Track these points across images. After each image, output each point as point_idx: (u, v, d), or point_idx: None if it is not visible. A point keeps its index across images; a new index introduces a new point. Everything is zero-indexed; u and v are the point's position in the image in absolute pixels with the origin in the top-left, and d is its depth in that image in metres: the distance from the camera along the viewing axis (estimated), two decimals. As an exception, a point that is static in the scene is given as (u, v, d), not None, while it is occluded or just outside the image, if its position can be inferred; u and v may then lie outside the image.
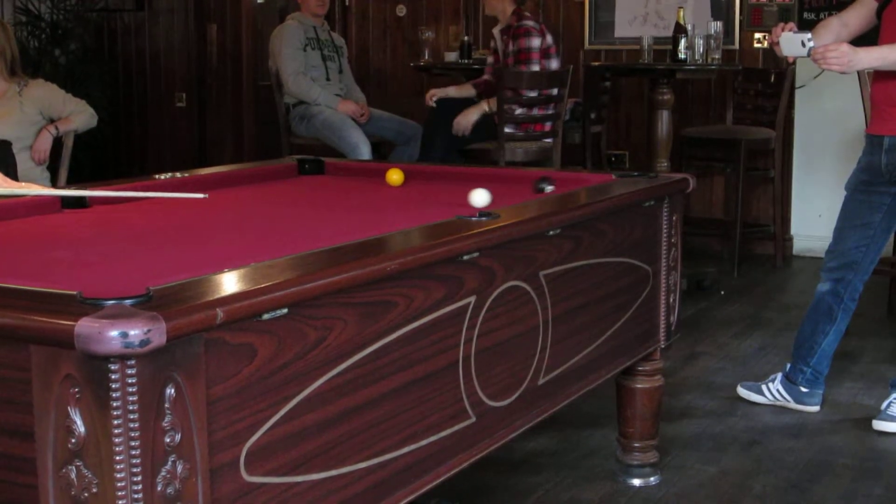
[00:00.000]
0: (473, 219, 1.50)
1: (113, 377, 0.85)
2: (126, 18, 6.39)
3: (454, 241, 1.36)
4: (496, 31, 4.08)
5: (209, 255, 1.30)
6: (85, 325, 0.82)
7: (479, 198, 1.73)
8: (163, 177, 2.17)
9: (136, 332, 0.82)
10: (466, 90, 4.15)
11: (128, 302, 0.88)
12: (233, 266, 1.11)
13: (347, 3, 5.91)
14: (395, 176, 2.20)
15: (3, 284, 0.99)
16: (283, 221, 1.79)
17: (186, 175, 2.19)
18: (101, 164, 5.72)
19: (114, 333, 0.81)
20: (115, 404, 0.85)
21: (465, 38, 5.03)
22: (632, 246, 1.99)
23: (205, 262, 1.19)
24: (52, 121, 3.44)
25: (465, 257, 1.39)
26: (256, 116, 6.21)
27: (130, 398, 0.86)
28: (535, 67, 3.90)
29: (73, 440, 0.86)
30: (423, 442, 1.33)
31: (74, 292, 0.91)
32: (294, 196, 2.20)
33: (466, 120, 3.94)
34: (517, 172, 2.66)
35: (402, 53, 5.73)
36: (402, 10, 5.73)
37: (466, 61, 4.76)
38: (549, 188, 1.98)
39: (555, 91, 3.93)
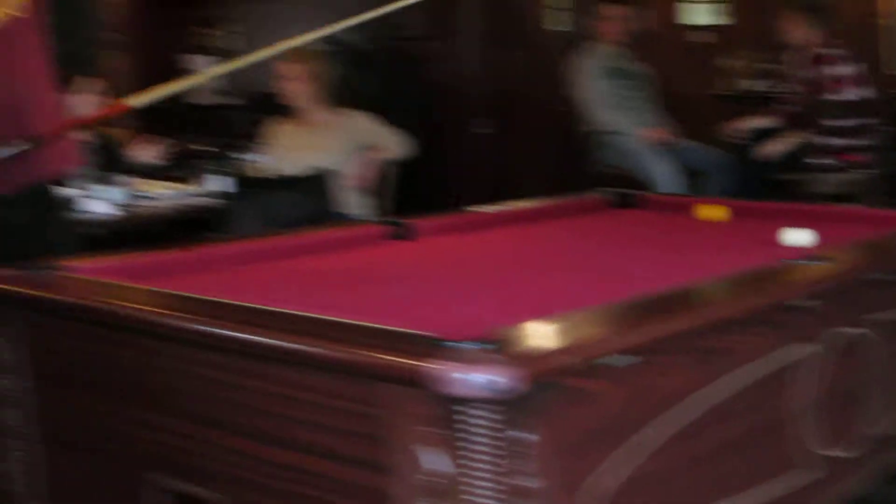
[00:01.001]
0: (811, 263, 1.47)
1: (469, 420, 0.86)
2: (429, 46, 6.83)
3: (793, 287, 1.38)
4: (800, 57, 4.13)
5: (541, 295, 1.37)
6: (443, 368, 0.85)
7: (799, 237, 1.76)
8: (481, 209, 2.28)
9: (493, 378, 0.84)
10: (772, 120, 4.20)
11: (483, 346, 0.90)
12: (566, 307, 1.15)
13: (647, 32, 5.98)
14: (709, 211, 2.23)
15: (355, 322, 1.05)
16: (603, 260, 1.81)
17: (501, 209, 2.31)
18: (403, 191, 6.27)
19: (472, 378, 0.84)
20: (467, 446, 0.87)
21: (768, 65, 5.21)
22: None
23: (540, 302, 1.23)
24: (367, 150, 3.60)
25: (801, 304, 1.37)
26: (558, 143, 6.29)
27: (484, 441, 0.87)
28: (849, 96, 3.95)
29: (424, 478, 0.89)
30: (768, 493, 1.31)
31: (430, 334, 0.94)
32: (608, 232, 2.22)
33: (774, 151, 4.02)
34: (831, 209, 2.60)
35: (704, 81, 5.80)
36: (703, 38, 5.90)
37: (769, 89, 4.91)
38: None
39: (868, 120, 3.98)
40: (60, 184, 2.41)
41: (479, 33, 6.86)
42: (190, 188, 3.32)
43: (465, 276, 1.64)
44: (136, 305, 1.23)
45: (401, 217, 2.20)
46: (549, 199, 2.90)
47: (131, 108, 2.09)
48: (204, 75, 2.08)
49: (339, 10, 8.05)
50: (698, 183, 4.52)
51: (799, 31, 4.11)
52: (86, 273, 1.51)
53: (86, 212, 3.11)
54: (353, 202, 3.48)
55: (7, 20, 2.18)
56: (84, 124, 2.22)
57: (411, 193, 6.71)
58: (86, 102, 3.46)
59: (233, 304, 1.17)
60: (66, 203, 2.49)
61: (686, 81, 5.93)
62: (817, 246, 1.68)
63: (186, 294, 1.28)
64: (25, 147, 2.03)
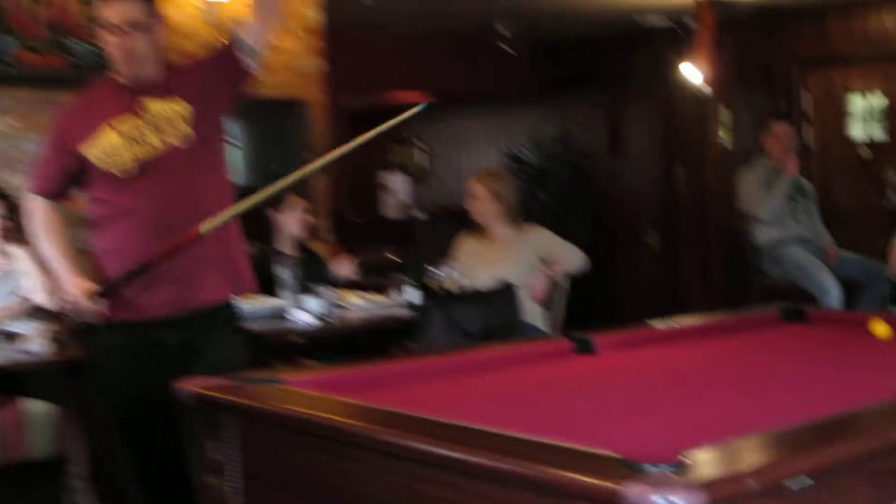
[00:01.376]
0: None
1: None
2: (601, 161, 7.20)
3: None
4: None
5: (719, 414, 1.42)
6: (634, 492, 0.93)
7: None
8: (657, 324, 2.36)
9: (680, 503, 0.91)
10: None
11: (667, 468, 0.98)
12: (744, 428, 1.19)
13: (817, 146, 6.51)
14: (880, 328, 2.27)
15: (538, 439, 1.14)
16: (778, 377, 1.82)
17: (677, 324, 2.38)
18: (575, 301, 6.41)
19: (666, 501, 0.91)
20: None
21: None
22: None
23: (718, 422, 1.30)
24: (546, 263, 3.76)
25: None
26: (724, 255, 6.44)
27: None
28: None
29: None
30: None
31: (615, 455, 1.04)
32: (781, 348, 2.24)
33: None
34: None
35: (865, 192, 6.07)
36: (866, 151, 6.27)
37: None
38: None
39: None
40: (229, 305, 2.45)
41: (652, 149, 7.12)
42: (383, 299, 3.60)
43: (645, 393, 1.70)
44: (346, 420, 1.38)
45: (578, 331, 2.25)
46: (723, 314, 2.91)
47: (202, 235, 2.11)
48: (272, 189, 2.00)
49: (510, 130, 8.43)
50: (857, 294, 4.63)
51: None
52: (296, 385, 1.69)
53: (291, 321, 3.41)
54: (534, 315, 3.60)
55: (168, 149, 2.23)
56: (164, 254, 2.21)
57: (583, 304, 6.82)
58: (293, 220, 3.90)
59: (438, 422, 1.30)
60: (236, 322, 2.55)
61: (851, 194, 6.25)
62: None
63: (394, 410, 1.41)
64: (143, 268, 2.07)
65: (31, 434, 3.46)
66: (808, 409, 1.35)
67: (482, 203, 3.68)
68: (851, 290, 4.65)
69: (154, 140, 2.09)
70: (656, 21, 6.70)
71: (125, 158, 2.08)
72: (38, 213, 2.21)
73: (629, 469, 1.00)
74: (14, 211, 3.73)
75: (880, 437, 1.22)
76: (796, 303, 2.75)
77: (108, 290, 2.24)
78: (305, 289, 3.68)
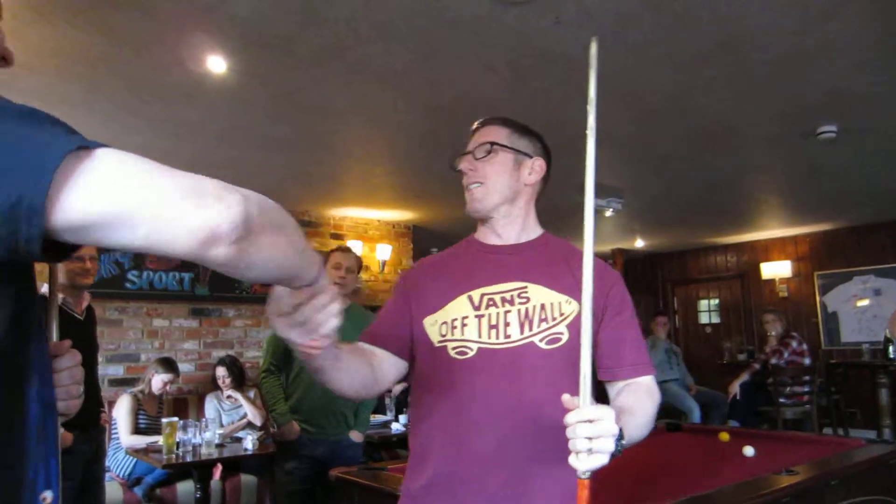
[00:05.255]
0: (782, 474, 1.84)
1: None
2: None
3: (775, 492, 1.73)
4: (771, 340, 5.61)
5: (625, 493, 1.65)
6: None
7: (749, 451, 2.23)
8: None
9: None
10: (746, 374, 5.62)
11: None
12: (641, 501, 1.49)
13: (678, 327, 8.15)
14: (724, 436, 2.68)
15: None
16: (664, 468, 2.11)
17: None
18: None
19: None
20: None
21: (749, 347, 7.27)
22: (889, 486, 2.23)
23: (627, 496, 1.57)
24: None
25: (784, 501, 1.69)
26: None
27: None
28: (807, 362, 5.36)
29: None
30: None
31: None
32: (665, 448, 2.53)
33: (733, 387, 5.48)
34: (794, 434, 2.98)
35: (709, 353, 7.82)
36: (709, 329, 7.84)
37: (749, 359, 6.75)
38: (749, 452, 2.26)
39: (808, 377, 5.35)
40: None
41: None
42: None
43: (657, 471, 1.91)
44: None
45: None
46: None
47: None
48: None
49: None
50: (709, 413, 5.71)
51: (777, 325, 5.56)
52: (393, 471, 2.04)
53: (393, 429, 4.11)
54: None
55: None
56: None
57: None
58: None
59: None
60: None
61: (701, 354, 7.98)
62: (792, 462, 1.94)
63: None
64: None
65: (244, 495, 4.07)
66: (687, 488, 1.61)
67: None
68: (705, 410, 5.74)
69: None
70: None
71: None
72: None
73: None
74: (233, 367, 4.42)
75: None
76: (675, 419, 3.23)
77: None
78: (399, 409, 4.43)
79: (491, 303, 1.28)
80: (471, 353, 1.26)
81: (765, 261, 7.60)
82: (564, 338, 1.25)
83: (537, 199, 1.40)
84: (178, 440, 3.64)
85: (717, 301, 8.11)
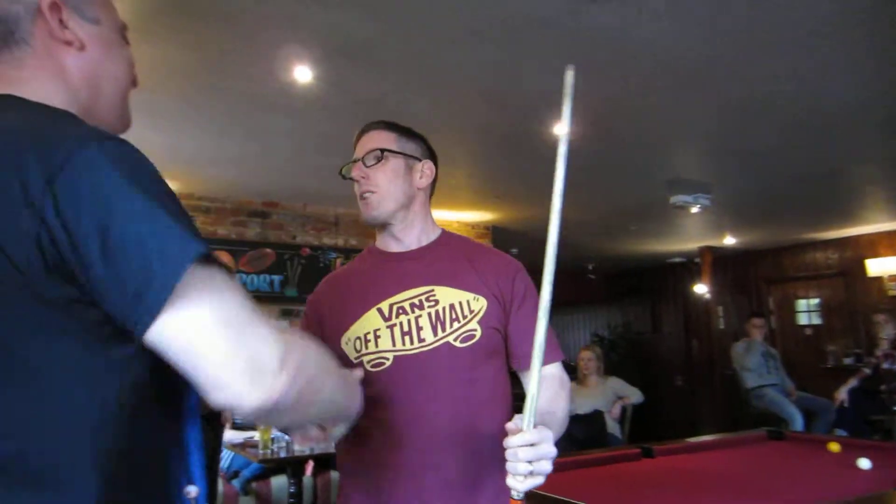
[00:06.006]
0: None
1: None
2: (647, 337, 8.84)
3: None
4: (883, 343, 5.31)
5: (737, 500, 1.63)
6: None
7: (865, 463, 2.07)
8: (691, 440, 2.62)
9: None
10: (855, 380, 5.34)
11: None
12: None
13: (774, 329, 7.73)
14: (834, 446, 2.56)
15: None
16: (769, 479, 2.02)
17: (706, 439, 2.64)
18: (635, 422, 5.81)
19: None
20: None
21: (856, 350, 6.87)
22: None
23: None
24: (620, 398, 4.48)
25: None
26: (726, 394, 7.55)
27: None
28: None
29: None
30: None
31: None
32: (769, 458, 2.46)
33: (840, 394, 5.12)
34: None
35: (811, 356, 7.33)
36: (809, 331, 7.52)
37: (857, 363, 6.39)
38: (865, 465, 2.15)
39: None
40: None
41: (678, 330, 8.65)
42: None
43: (689, 485, 1.91)
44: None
45: (643, 442, 2.45)
46: (729, 434, 3.02)
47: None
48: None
49: (593, 320, 10.14)
50: (812, 421, 5.33)
51: (889, 326, 5.20)
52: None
53: None
54: (614, 429, 4.27)
55: None
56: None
57: (641, 423, 6.29)
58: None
59: (556, 499, 1.52)
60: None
61: (801, 357, 7.49)
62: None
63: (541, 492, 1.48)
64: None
65: (334, 491, 4.11)
66: (796, 502, 1.57)
67: (591, 363, 4.60)
68: (808, 417, 5.36)
69: None
70: (677, 259, 8.35)
71: None
72: None
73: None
74: None
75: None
76: (775, 426, 3.06)
77: None
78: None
79: (401, 311, 1.29)
80: (387, 364, 1.26)
81: (871, 257, 7.16)
82: (478, 334, 1.27)
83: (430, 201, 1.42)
84: (272, 436, 3.72)
85: (817, 301, 7.68)
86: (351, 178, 1.35)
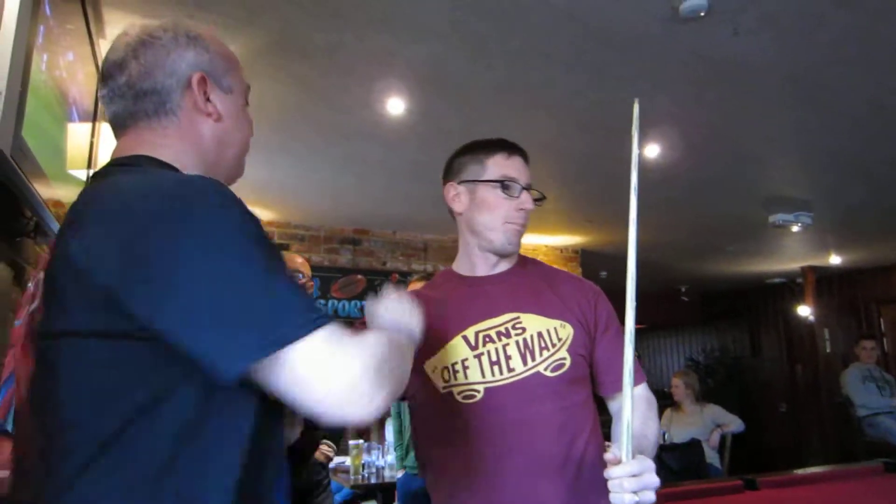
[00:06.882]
0: None
1: None
2: (746, 362, 8.53)
3: None
4: None
5: None
6: None
7: None
8: (798, 471, 2.51)
9: None
10: None
11: None
12: None
13: (888, 353, 7.29)
14: None
15: None
16: None
17: (813, 471, 2.56)
18: (735, 451, 5.48)
19: None
20: None
21: None
22: None
23: None
24: (718, 426, 4.36)
25: None
26: (835, 421, 6.99)
27: None
28: None
29: None
30: None
31: None
32: (887, 491, 2.29)
33: None
34: None
35: None
36: None
37: None
38: None
39: None
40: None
41: (780, 354, 8.36)
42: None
43: None
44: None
45: (745, 473, 2.38)
46: (842, 465, 2.90)
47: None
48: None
49: (688, 344, 9.94)
50: None
51: None
52: None
53: None
54: (713, 458, 4.09)
55: None
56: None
57: (742, 452, 5.99)
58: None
59: None
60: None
61: None
62: None
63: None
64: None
65: None
66: None
67: (679, 390, 4.44)
68: None
69: None
70: (777, 280, 8.15)
71: None
72: None
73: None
74: None
75: None
76: (890, 458, 2.79)
77: None
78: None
79: (488, 339, 1.26)
80: (478, 396, 1.24)
81: None
82: (567, 362, 1.26)
83: None
84: (363, 462, 3.77)
85: (932, 323, 7.30)
86: (513, 196, 1.33)
